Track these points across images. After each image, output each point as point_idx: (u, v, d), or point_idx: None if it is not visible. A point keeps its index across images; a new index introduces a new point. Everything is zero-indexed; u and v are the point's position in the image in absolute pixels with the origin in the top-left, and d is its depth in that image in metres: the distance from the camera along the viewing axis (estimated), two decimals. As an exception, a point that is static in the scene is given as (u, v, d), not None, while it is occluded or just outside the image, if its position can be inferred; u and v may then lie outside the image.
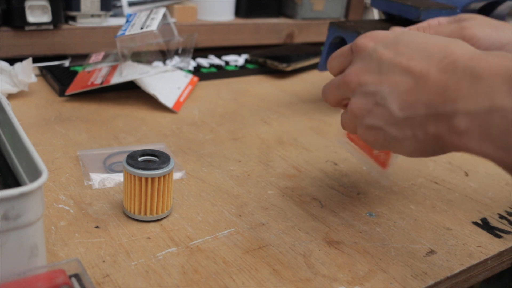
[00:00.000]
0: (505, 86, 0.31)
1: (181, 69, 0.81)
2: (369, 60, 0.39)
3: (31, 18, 0.77)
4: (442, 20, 0.58)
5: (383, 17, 0.85)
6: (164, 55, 0.82)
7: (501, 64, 0.32)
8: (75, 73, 0.80)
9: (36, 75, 0.79)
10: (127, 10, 0.92)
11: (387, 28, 0.75)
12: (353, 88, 0.40)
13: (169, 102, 0.73)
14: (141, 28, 0.71)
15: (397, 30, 0.42)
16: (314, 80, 0.94)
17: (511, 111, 0.30)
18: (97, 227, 0.44)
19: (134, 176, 0.44)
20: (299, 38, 1.12)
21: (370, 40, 0.40)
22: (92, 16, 0.85)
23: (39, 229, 0.34)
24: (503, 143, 0.31)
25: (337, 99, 0.44)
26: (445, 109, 0.34)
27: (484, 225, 0.51)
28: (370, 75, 0.39)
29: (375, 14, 1.20)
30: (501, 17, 0.83)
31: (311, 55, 1.00)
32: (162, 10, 0.74)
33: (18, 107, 0.69)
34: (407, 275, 0.42)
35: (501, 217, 0.52)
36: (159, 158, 0.45)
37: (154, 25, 0.70)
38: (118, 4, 0.91)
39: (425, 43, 0.37)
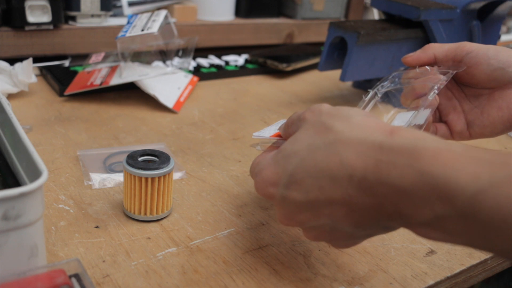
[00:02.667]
0: (434, 194, 0.28)
1: (180, 68, 0.81)
2: (286, 205, 0.36)
3: (31, 18, 0.77)
4: (439, 53, 0.52)
5: (383, 17, 0.85)
6: (164, 55, 0.82)
7: (413, 168, 0.29)
8: (75, 73, 0.80)
9: (36, 75, 0.79)
10: (127, 10, 0.92)
11: (387, 28, 0.75)
12: (296, 225, 0.37)
13: (169, 102, 0.73)
14: (142, 30, 0.71)
15: (278, 156, 0.37)
16: (314, 80, 0.94)
17: (456, 217, 0.28)
18: (97, 227, 0.44)
19: (134, 176, 0.44)
20: (299, 38, 1.12)
21: (266, 187, 0.37)
22: (92, 16, 0.85)
23: (39, 229, 0.34)
24: (466, 238, 0.29)
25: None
26: (396, 224, 0.33)
27: (484, 225, 0.50)
28: (300, 215, 0.36)
29: (375, 14, 1.20)
30: (501, 17, 0.83)
31: (311, 55, 1.00)
32: (163, 12, 0.74)
33: (18, 107, 0.69)
34: (407, 275, 0.42)
35: (501, 217, 0.52)
36: (159, 158, 0.45)
37: (155, 27, 0.70)
38: (118, 4, 0.91)
39: (319, 165, 0.33)
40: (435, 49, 0.52)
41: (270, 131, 0.48)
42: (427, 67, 0.52)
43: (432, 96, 0.49)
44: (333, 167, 0.33)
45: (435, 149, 0.29)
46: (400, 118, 0.52)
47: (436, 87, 0.50)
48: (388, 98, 0.55)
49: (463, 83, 0.53)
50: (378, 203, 0.31)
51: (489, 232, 0.27)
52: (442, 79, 0.50)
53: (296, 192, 0.35)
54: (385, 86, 0.55)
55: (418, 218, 0.30)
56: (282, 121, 0.47)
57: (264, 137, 0.47)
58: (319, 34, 1.13)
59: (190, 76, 0.83)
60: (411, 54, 0.53)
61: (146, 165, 0.44)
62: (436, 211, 0.28)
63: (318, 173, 0.33)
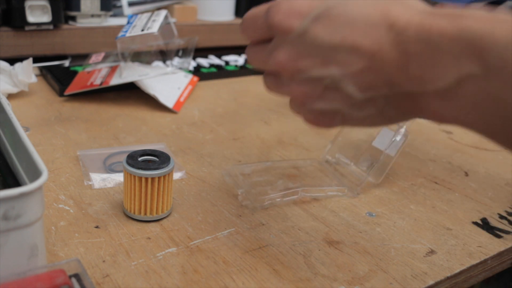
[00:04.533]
0: (467, 50, 0.28)
1: (180, 68, 0.81)
2: (300, 43, 0.32)
3: (31, 18, 0.77)
4: None
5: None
6: (164, 55, 0.82)
7: (454, 25, 0.28)
8: (75, 73, 0.80)
9: (36, 75, 0.79)
10: (127, 10, 0.92)
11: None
12: (290, 75, 0.34)
13: (169, 102, 0.73)
14: (142, 30, 0.71)
15: None
16: (314, 80, 0.94)
17: (481, 77, 0.28)
18: (97, 227, 0.44)
19: (134, 176, 0.44)
20: (299, 38, 1.11)
21: (291, 17, 0.33)
22: (92, 16, 0.85)
23: (39, 229, 0.34)
24: (479, 112, 0.29)
25: (262, 66, 0.37)
26: (412, 89, 0.31)
27: (484, 225, 0.51)
28: (308, 59, 0.32)
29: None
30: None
31: (311, 55, 0.99)
32: (163, 12, 0.74)
33: (18, 107, 0.69)
34: (407, 275, 0.42)
35: (501, 217, 0.52)
36: (159, 158, 0.45)
37: (155, 28, 0.70)
38: (118, 4, 0.91)
39: (362, 10, 0.31)
40: None
41: None
42: None
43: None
44: (376, 14, 0.30)
45: (480, 15, 0.29)
46: (384, 134, 0.53)
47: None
48: None
49: None
50: (405, 61, 0.30)
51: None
52: None
53: (323, 28, 0.31)
54: None
55: (440, 83, 0.29)
56: None
57: None
58: (319, 34, 1.13)
59: (190, 76, 0.83)
60: None
61: (146, 165, 0.44)
62: (464, 69, 0.28)
63: (357, 15, 0.31)
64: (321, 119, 0.35)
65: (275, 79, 0.36)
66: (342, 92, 0.32)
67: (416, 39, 0.29)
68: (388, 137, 0.54)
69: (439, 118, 0.31)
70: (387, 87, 0.31)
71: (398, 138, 0.53)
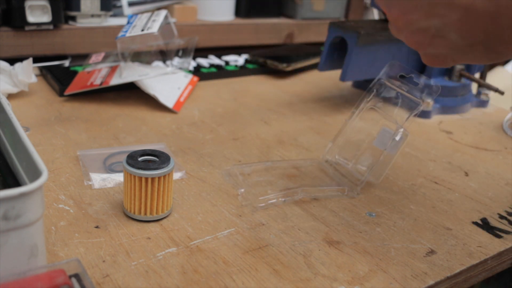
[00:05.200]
0: None
1: (180, 68, 0.81)
2: (406, 1, 0.39)
3: (31, 18, 0.77)
4: None
5: (383, 17, 0.85)
6: (164, 55, 0.82)
7: None
8: (75, 73, 0.80)
9: (36, 75, 0.79)
10: (127, 10, 0.92)
11: (387, 28, 0.74)
12: (401, 26, 0.40)
13: (169, 102, 0.73)
14: (142, 30, 0.71)
15: None
16: (314, 80, 0.94)
17: None
18: (97, 227, 0.44)
19: (134, 176, 0.44)
20: (299, 38, 1.12)
21: None
22: (92, 16, 0.85)
23: (39, 229, 0.34)
24: None
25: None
26: (506, 34, 0.35)
27: (484, 225, 0.51)
28: (414, 12, 0.38)
29: (375, 14, 1.20)
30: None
31: (311, 55, 1.00)
32: (163, 12, 0.74)
33: (18, 107, 0.69)
34: (407, 275, 0.42)
35: (501, 217, 0.52)
36: (159, 158, 0.45)
37: (155, 27, 0.70)
38: (118, 4, 0.91)
39: None
40: None
41: None
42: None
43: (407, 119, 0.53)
44: None
45: None
46: (384, 134, 0.53)
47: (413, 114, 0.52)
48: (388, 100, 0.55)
49: None
50: (496, 13, 0.34)
51: None
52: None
53: None
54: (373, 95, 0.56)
55: None
56: None
57: None
58: (319, 34, 1.13)
59: (190, 76, 0.83)
60: None
61: (146, 165, 0.44)
62: None
63: None
64: (435, 60, 0.41)
65: (396, 28, 0.42)
66: (447, 39, 0.38)
67: None
68: (388, 137, 0.54)
69: None
70: (484, 34, 0.36)
71: (398, 137, 0.53)
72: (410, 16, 0.39)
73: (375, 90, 0.55)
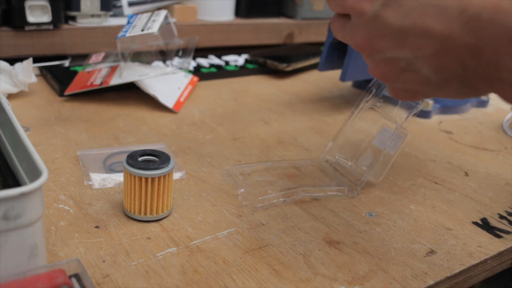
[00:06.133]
0: None
1: (180, 68, 0.81)
2: (374, 26, 0.33)
3: (31, 18, 0.77)
4: None
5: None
6: (164, 55, 0.82)
7: None
8: (75, 73, 0.80)
9: (36, 75, 0.79)
10: (127, 10, 0.92)
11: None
12: (368, 54, 0.35)
13: (169, 102, 0.73)
14: (142, 30, 0.71)
15: None
16: (314, 80, 0.94)
17: None
18: (97, 227, 0.44)
19: (134, 176, 0.44)
20: (299, 38, 1.12)
21: (362, 0, 0.34)
22: (92, 16, 0.85)
23: (39, 229, 0.34)
24: None
25: (344, 40, 0.38)
26: (487, 74, 0.31)
27: (484, 225, 0.51)
28: (382, 40, 0.33)
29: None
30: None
31: (311, 55, 1.00)
32: (163, 12, 0.74)
33: (18, 107, 0.69)
34: (407, 275, 0.42)
35: (501, 217, 0.52)
36: (159, 158, 0.45)
37: (155, 27, 0.70)
38: (118, 4, 0.91)
39: None
40: None
41: None
42: None
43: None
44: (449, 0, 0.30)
45: None
46: (383, 133, 0.53)
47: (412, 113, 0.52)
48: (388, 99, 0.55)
49: None
50: (478, 47, 0.29)
51: None
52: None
53: (393, 12, 0.32)
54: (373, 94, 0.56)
55: None
56: None
57: None
58: (319, 34, 1.13)
59: (190, 76, 0.83)
60: None
61: (146, 165, 0.44)
62: None
63: None
64: (404, 95, 0.36)
65: (363, 53, 0.37)
66: (419, 74, 0.33)
67: (492, 23, 0.28)
68: (387, 136, 0.54)
69: None
70: (462, 69, 0.31)
71: (397, 137, 0.53)
72: (377, 44, 0.34)
73: (374, 90, 0.55)
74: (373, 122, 0.56)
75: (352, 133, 0.59)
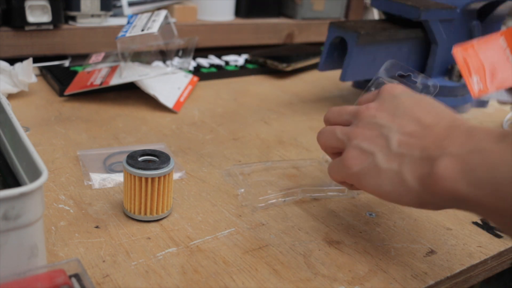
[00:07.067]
0: (492, 137, 0.34)
1: (180, 69, 0.81)
2: (390, 102, 0.42)
3: (31, 18, 0.77)
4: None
5: (383, 17, 0.85)
6: (164, 55, 0.82)
7: (495, 129, 0.35)
8: (75, 73, 0.80)
9: (36, 75, 0.79)
10: (127, 10, 0.92)
11: (387, 28, 0.75)
12: (364, 117, 0.43)
13: (169, 102, 0.73)
14: (142, 30, 0.71)
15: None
16: (314, 80, 0.94)
17: (490, 153, 0.33)
18: (97, 227, 0.44)
19: (134, 176, 0.44)
20: (299, 38, 1.12)
21: (398, 88, 0.44)
22: (92, 16, 0.85)
23: (39, 229, 0.34)
24: (478, 181, 0.33)
25: (332, 145, 0.45)
26: (435, 153, 0.36)
27: (484, 225, 0.51)
28: (385, 113, 0.42)
29: (375, 14, 1.20)
30: (501, 17, 0.83)
31: (311, 55, 1.00)
32: (163, 13, 0.74)
33: (18, 107, 0.69)
34: (407, 275, 0.42)
35: (501, 217, 0.52)
36: (159, 158, 0.45)
37: (155, 28, 0.70)
38: (118, 4, 0.91)
39: (443, 108, 0.42)
40: None
41: None
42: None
43: None
44: (448, 114, 0.41)
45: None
46: None
47: None
48: None
49: None
50: (444, 137, 0.37)
51: None
52: None
53: (409, 101, 0.42)
54: None
55: (454, 151, 0.35)
56: None
57: None
58: (319, 34, 1.13)
59: (190, 76, 0.83)
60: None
61: (146, 165, 0.44)
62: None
63: (438, 107, 0.42)
64: (356, 155, 0.41)
65: (332, 132, 0.45)
66: (386, 142, 0.40)
67: (465, 129, 0.37)
68: None
69: (441, 184, 0.35)
70: (418, 150, 0.38)
71: None
72: (380, 113, 0.42)
73: (373, 88, 0.55)
74: None
75: None
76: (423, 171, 0.36)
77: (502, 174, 0.31)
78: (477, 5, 0.78)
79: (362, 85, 0.90)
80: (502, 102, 0.67)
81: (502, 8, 0.80)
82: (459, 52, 0.60)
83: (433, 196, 0.36)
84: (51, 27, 0.81)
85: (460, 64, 0.59)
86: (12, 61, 0.73)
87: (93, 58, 0.78)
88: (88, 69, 0.78)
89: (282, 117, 0.74)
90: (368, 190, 0.41)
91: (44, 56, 0.83)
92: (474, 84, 0.56)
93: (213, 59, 0.96)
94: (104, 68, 0.77)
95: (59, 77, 0.77)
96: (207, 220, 0.47)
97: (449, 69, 0.82)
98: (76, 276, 0.34)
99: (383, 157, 0.39)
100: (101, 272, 0.39)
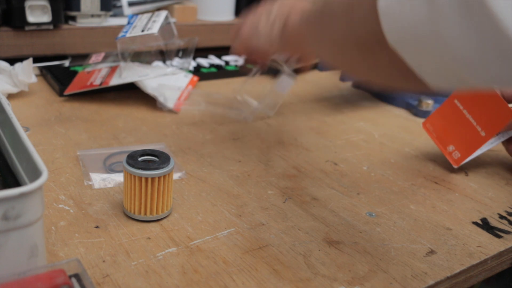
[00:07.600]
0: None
1: (181, 69, 0.81)
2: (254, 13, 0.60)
3: (31, 18, 0.77)
4: None
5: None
6: (164, 55, 0.82)
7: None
8: (75, 73, 0.80)
9: (36, 75, 0.79)
10: (127, 10, 0.92)
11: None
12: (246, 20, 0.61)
13: (169, 102, 0.73)
14: (142, 31, 0.71)
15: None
16: (314, 80, 0.94)
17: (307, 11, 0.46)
18: (97, 227, 0.44)
19: (134, 176, 0.44)
20: (299, 38, 1.11)
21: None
22: (92, 16, 0.85)
23: (39, 229, 0.34)
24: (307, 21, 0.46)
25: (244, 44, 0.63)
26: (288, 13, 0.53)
27: (484, 225, 0.51)
28: (255, 12, 0.59)
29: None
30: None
31: (311, 55, 0.99)
32: (163, 13, 0.74)
33: (18, 107, 0.69)
34: (407, 275, 0.42)
35: (501, 217, 0.52)
36: (159, 158, 0.45)
37: (155, 28, 0.70)
38: (118, 4, 0.91)
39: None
40: None
41: None
42: None
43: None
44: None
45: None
46: (282, 80, 0.70)
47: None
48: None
49: None
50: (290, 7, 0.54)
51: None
52: None
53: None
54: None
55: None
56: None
57: None
58: (319, 34, 1.13)
59: (190, 76, 0.83)
60: None
61: (146, 165, 0.44)
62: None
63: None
64: (247, 28, 0.60)
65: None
66: (262, 17, 0.57)
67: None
68: (284, 82, 0.70)
69: (291, 29, 0.52)
70: (279, 17, 0.54)
71: (287, 79, 0.70)
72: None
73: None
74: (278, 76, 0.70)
75: (257, 81, 0.73)
76: (281, 24, 0.53)
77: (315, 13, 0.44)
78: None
79: (362, 85, 0.90)
80: None
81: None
82: (429, 127, 0.63)
83: (287, 40, 0.53)
84: (51, 27, 0.81)
85: (434, 139, 0.62)
86: (12, 61, 0.73)
87: (93, 58, 0.78)
88: (88, 69, 0.78)
89: (282, 117, 0.74)
90: (253, 46, 0.59)
91: (44, 56, 0.83)
92: (452, 154, 0.60)
93: (213, 59, 0.96)
94: (104, 68, 0.77)
95: (59, 77, 0.77)
96: (207, 220, 0.47)
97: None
98: (76, 276, 0.34)
99: (263, 25, 0.56)
100: (101, 272, 0.39)
